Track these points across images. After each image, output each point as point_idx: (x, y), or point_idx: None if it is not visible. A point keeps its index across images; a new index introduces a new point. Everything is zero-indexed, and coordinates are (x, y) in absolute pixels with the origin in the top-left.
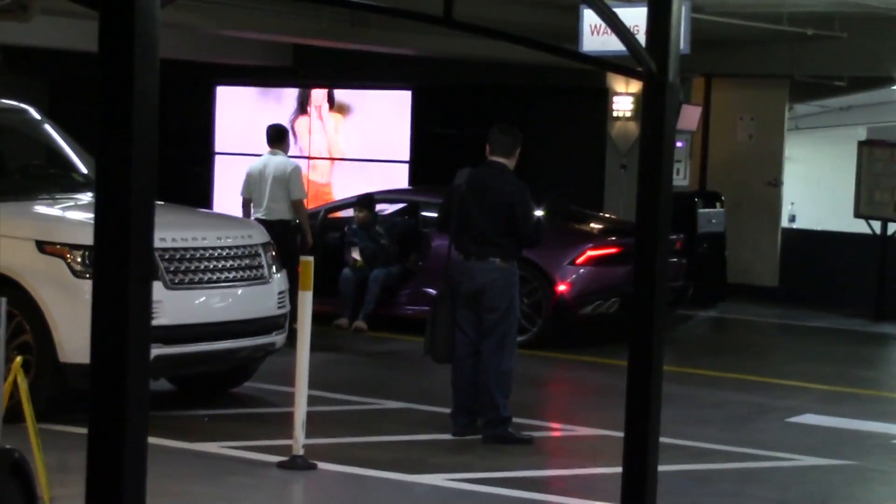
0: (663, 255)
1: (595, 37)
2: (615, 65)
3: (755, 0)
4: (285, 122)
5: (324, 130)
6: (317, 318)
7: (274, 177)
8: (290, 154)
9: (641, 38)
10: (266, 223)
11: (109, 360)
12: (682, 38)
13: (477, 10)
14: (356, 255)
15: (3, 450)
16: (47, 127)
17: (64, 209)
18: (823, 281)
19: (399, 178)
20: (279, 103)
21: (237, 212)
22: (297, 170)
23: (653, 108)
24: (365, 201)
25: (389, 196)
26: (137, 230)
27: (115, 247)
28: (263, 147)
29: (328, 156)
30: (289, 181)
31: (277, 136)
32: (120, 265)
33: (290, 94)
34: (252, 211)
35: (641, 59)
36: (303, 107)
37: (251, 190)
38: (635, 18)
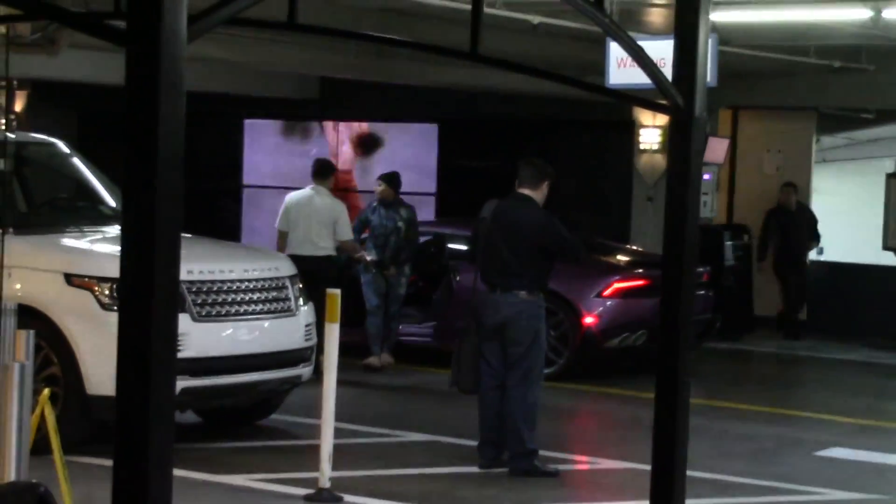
0: (690, 288)
1: (622, 70)
2: (640, 99)
3: (782, 33)
4: (314, 155)
5: (351, 163)
6: (344, 350)
7: (320, 215)
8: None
9: (668, 70)
10: (303, 258)
11: (134, 392)
12: (709, 70)
13: (502, 43)
14: (369, 255)
15: (29, 484)
16: (76, 160)
17: (92, 242)
18: (851, 313)
19: (426, 210)
20: (306, 136)
21: (266, 244)
22: (345, 211)
23: (679, 142)
24: (388, 176)
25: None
26: (163, 264)
27: (140, 280)
28: (290, 179)
29: (355, 188)
30: (336, 222)
31: (322, 171)
32: (145, 298)
33: (318, 127)
34: (289, 245)
35: (668, 93)
36: (330, 140)
37: (290, 223)
38: (661, 51)
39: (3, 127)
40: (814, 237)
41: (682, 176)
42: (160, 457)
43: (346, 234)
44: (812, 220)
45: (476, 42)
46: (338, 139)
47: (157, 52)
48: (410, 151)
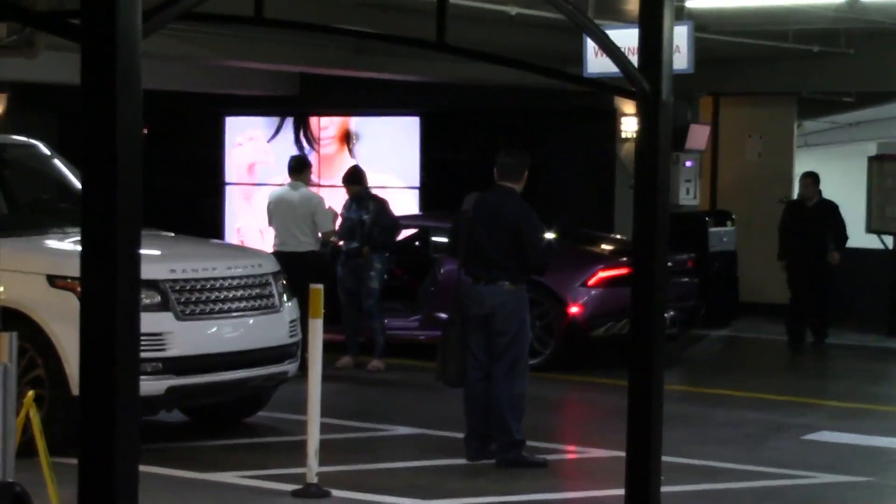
0: (661, 272)
1: (599, 59)
2: (609, 86)
3: (760, 18)
4: (295, 151)
5: (332, 158)
6: (328, 346)
7: (299, 210)
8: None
9: None
10: (289, 254)
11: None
12: (686, 57)
13: (479, 34)
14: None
15: (5, 483)
16: (56, 161)
17: (74, 243)
18: (836, 297)
19: (409, 204)
20: (288, 132)
21: (248, 242)
22: (322, 202)
23: (647, 126)
24: (348, 174)
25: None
26: (124, 258)
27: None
28: (271, 176)
29: (338, 184)
30: (315, 213)
31: (299, 167)
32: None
33: (298, 123)
34: (273, 241)
35: (634, 79)
36: (308, 135)
37: (271, 220)
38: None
39: None
40: (836, 239)
41: (651, 159)
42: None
43: (326, 225)
44: (835, 219)
45: (442, 32)
46: (319, 135)
47: (112, 47)
48: (393, 145)
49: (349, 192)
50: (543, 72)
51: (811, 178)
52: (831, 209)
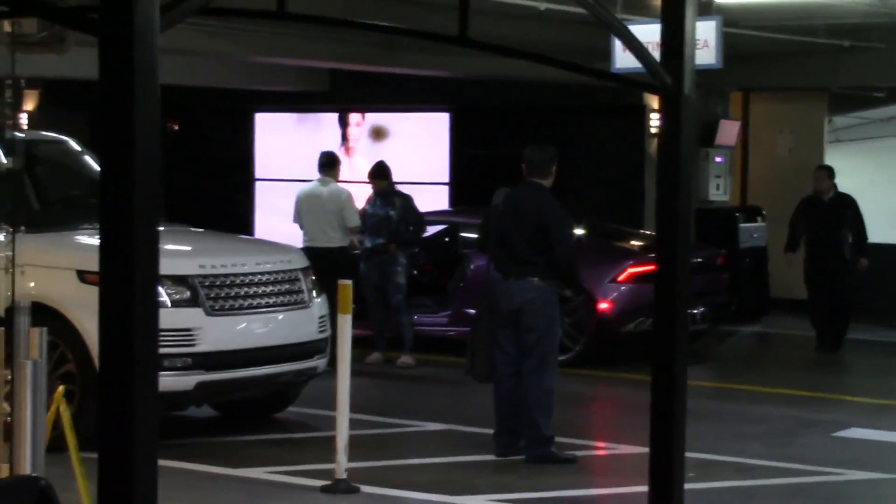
0: (684, 268)
1: (626, 54)
2: (634, 81)
3: (791, 13)
4: (326, 147)
5: (363, 154)
6: (357, 342)
7: (328, 205)
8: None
9: None
10: (319, 250)
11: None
12: (714, 52)
13: (507, 30)
14: (365, 243)
15: (30, 477)
16: (87, 158)
17: None
18: (868, 292)
19: (440, 200)
20: (318, 128)
21: (279, 237)
22: (350, 198)
23: (669, 121)
24: (374, 170)
25: (430, 218)
26: (142, 253)
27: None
28: (303, 172)
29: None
30: (343, 209)
31: (329, 163)
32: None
33: (329, 119)
34: (302, 237)
35: (656, 74)
36: (343, 131)
37: (301, 217)
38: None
39: (13, 126)
40: (856, 236)
41: (673, 155)
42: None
43: (354, 220)
44: (852, 214)
45: (465, 27)
46: (349, 131)
47: (130, 40)
48: (423, 141)
49: (375, 187)
50: (568, 66)
51: (825, 172)
52: (848, 203)
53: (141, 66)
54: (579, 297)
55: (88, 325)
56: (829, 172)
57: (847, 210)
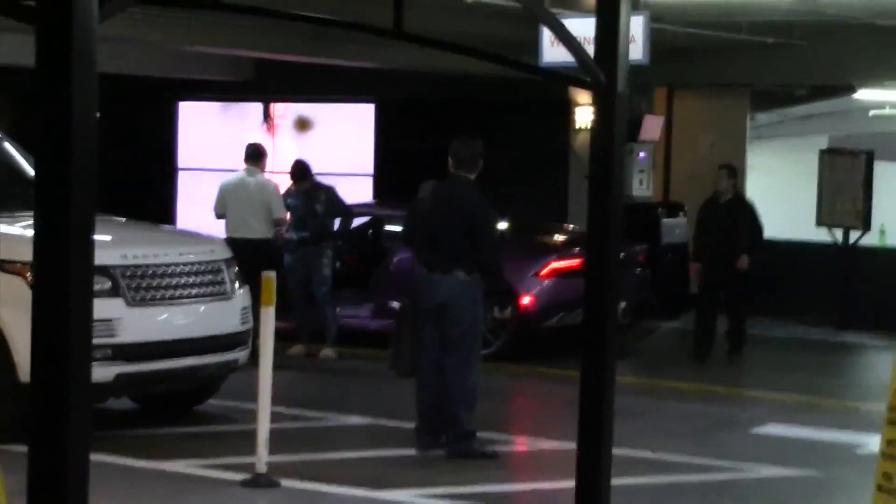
0: (614, 266)
1: (555, 48)
2: (565, 76)
3: (715, 10)
4: (251, 138)
5: (287, 145)
6: (280, 335)
7: (255, 196)
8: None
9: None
10: (242, 241)
11: (50, 377)
12: (641, 48)
13: (437, 22)
14: (290, 235)
15: None
16: (7, 145)
17: (24, 227)
18: (786, 290)
19: (363, 192)
20: (242, 118)
21: (201, 228)
22: (277, 189)
23: (603, 117)
24: (296, 172)
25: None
26: (78, 244)
27: (55, 262)
28: (225, 162)
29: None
30: (270, 201)
31: (255, 154)
32: (60, 283)
33: (253, 109)
34: (225, 228)
35: (590, 70)
36: (266, 121)
37: (225, 207)
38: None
39: None
40: (750, 239)
41: (606, 150)
42: (77, 444)
43: (280, 211)
44: (747, 216)
45: (400, 20)
46: (273, 121)
47: (67, 29)
48: (347, 132)
49: (299, 188)
50: (499, 60)
51: (725, 171)
52: (743, 203)
53: (79, 56)
54: (501, 291)
55: (6, 315)
56: (730, 172)
57: (744, 213)
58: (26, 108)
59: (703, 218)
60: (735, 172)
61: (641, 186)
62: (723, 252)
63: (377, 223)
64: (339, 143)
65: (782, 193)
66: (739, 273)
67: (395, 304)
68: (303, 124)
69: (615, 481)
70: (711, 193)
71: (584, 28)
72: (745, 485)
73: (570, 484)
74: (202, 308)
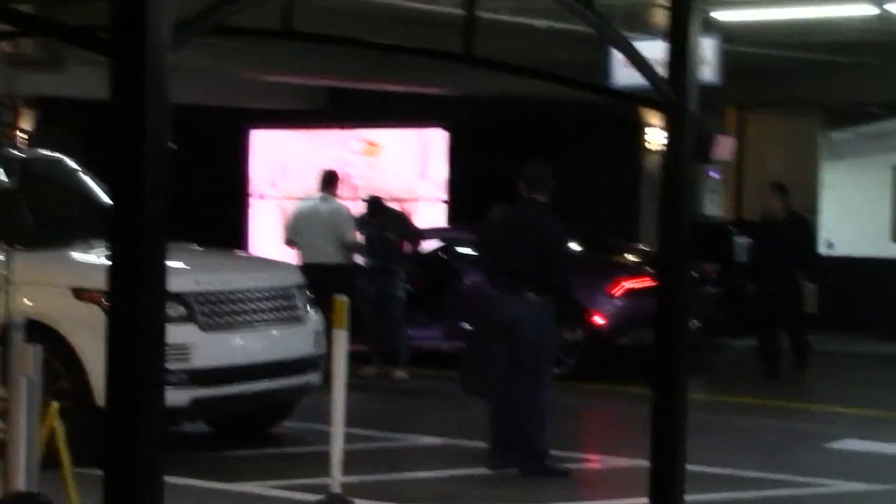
0: (684, 281)
1: (625, 70)
2: (637, 97)
3: (787, 30)
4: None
5: (362, 172)
6: (352, 357)
7: (327, 223)
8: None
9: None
10: (317, 267)
11: (124, 401)
12: (713, 69)
13: (507, 46)
14: (363, 261)
15: (31, 494)
16: (82, 175)
17: (99, 255)
18: (862, 306)
19: (436, 216)
20: (317, 146)
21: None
22: (350, 213)
23: (673, 137)
24: (371, 206)
25: (427, 233)
26: (149, 271)
27: (128, 290)
28: (299, 189)
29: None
30: (343, 227)
31: (329, 180)
32: (133, 309)
33: (328, 137)
34: (301, 254)
35: (661, 89)
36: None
37: (298, 233)
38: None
39: (11, 144)
40: (806, 260)
41: (676, 170)
42: (150, 465)
43: (351, 236)
44: (805, 236)
45: (470, 44)
46: (346, 148)
47: (141, 60)
48: (420, 157)
49: (373, 219)
50: (570, 83)
51: (775, 191)
52: (802, 223)
53: (153, 86)
54: (572, 311)
55: (83, 341)
56: (783, 190)
57: (801, 232)
58: (98, 141)
59: (755, 239)
60: (786, 190)
61: (713, 205)
62: (771, 276)
63: (449, 245)
64: (411, 169)
65: (857, 211)
66: (792, 288)
67: (467, 325)
68: (375, 150)
69: (688, 497)
70: (763, 213)
71: (652, 50)
72: (820, 500)
73: (644, 501)
74: (275, 332)
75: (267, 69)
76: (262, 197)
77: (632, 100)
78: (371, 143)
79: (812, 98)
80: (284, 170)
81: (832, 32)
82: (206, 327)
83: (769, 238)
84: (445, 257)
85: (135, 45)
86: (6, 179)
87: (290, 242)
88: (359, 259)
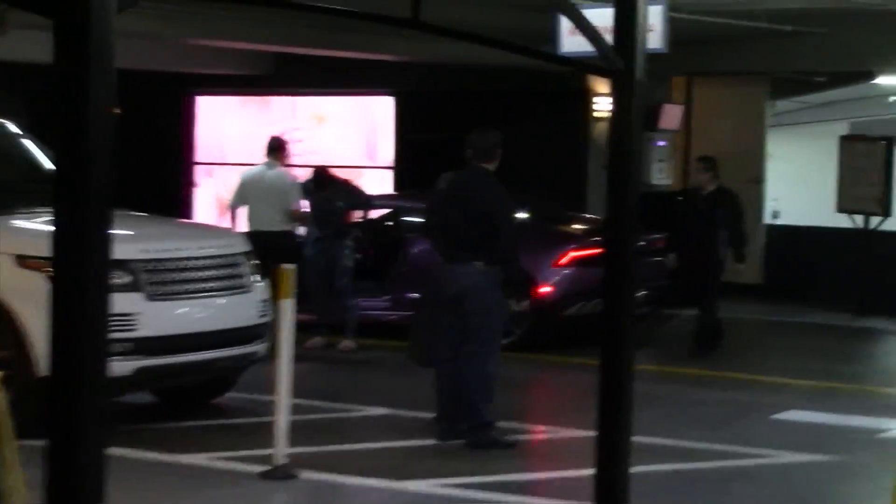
0: (631, 250)
1: (573, 38)
2: (584, 64)
3: None
4: (272, 132)
5: (307, 138)
6: (299, 327)
7: (273, 190)
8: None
9: None
10: (263, 234)
11: (68, 369)
12: (660, 37)
13: (453, 13)
14: (312, 232)
15: None
16: (25, 141)
17: (43, 223)
18: (807, 277)
19: (382, 184)
20: (262, 112)
21: (219, 222)
22: (295, 181)
23: (621, 105)
24: (317, 177)
25: (376, 201)
26: (94, 242)
27: (72, 256)
28: (244, 156)
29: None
30: (287, 194)
31: (275, 147)
32: (78, 275)
33: (273, 102)
34: (246, 221)
35: (608, 58)
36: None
37: (244, 200)
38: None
39: None
40: (731, 236)
41: (624, 139)
42: (94, 437)
43: (294, 203)
44: (731, 212)
45: (418, 10)
46: (293, 114)
47: (86, 22)
48: (367, 125)
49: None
50: (519, 50)
51: (702, 164)
52: (727, 197)
53: (97, 49)
54: (519, 280)
55: (25, 310)
56: (711, 163)
57: (722, 206)
58: (42, 105)
59: (685, 211)
60: (714, 163)
61: (661, 175)
62: (693, 253)
63: (396, 214)
64: (358, 136)
65: (802, 180)
66: (709, 263)
67: (414, 295)
68: (321, 117)
69: (634, 468)
70: (691, 185)
71: (601, 18)
72: (767, 471)
73: (590, 472)
74: (221, 301)
75: (212, 35)
76: (207, 165)
77: (580, 67)
78: (318, 117)
79: (759, 67)
80: (230, 137)
81: (778, 1)
82: (151, 296)
83: (692, 211)
84: (393, 225)
85: (79, 7)
86: None
87: (235, 209)
88: (301, 230)
